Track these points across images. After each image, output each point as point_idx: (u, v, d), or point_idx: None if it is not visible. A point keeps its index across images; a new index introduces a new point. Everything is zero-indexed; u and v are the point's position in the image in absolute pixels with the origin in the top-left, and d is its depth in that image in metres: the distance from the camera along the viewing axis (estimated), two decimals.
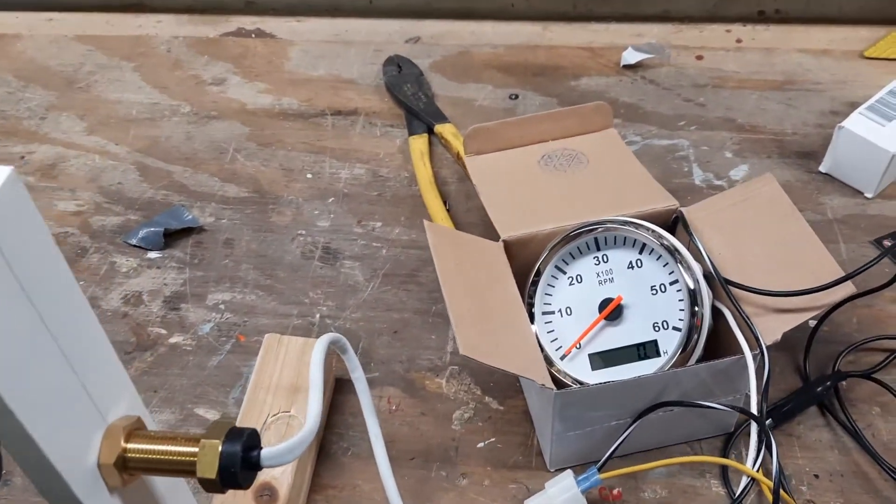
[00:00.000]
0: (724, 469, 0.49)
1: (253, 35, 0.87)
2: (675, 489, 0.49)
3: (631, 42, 0.82)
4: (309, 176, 0.71)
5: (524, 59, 0.82)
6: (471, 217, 0.66)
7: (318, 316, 0.60)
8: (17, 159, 0.73)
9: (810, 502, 0.47)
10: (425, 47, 0.84)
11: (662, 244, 0.47)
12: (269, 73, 0.82)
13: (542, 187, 0.57)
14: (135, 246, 0.65)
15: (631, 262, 0.49)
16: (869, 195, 0.64)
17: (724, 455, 0.50)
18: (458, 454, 0.51)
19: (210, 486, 0.33)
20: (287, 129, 0.75)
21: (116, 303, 0.61)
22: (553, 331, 0.50)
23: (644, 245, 0.48)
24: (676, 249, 0.47)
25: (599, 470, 0.45)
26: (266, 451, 0.34)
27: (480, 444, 0.52)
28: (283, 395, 0.50)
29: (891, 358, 0.53)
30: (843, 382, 0.51)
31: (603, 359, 0.48)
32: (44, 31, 0.89)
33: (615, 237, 0.49)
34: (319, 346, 0.43)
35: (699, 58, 0.80)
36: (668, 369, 0.46)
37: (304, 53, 0.84)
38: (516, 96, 0.77)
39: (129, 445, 0.34)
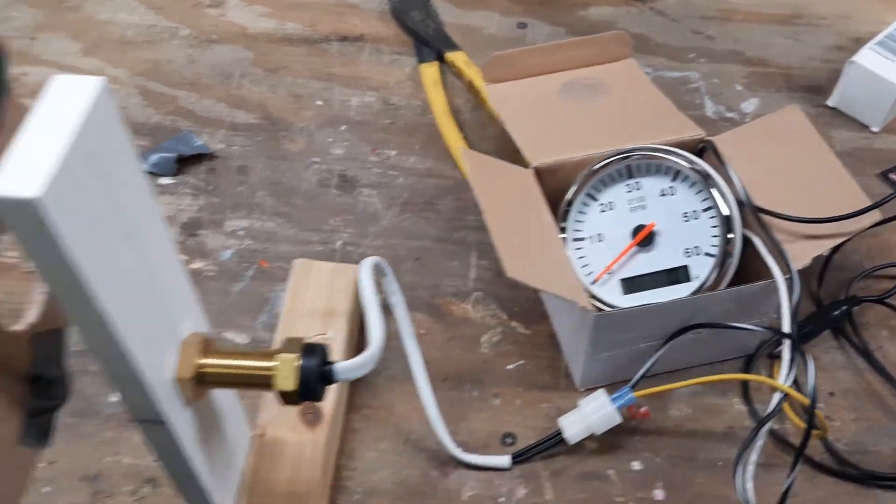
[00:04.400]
0: (745, 388, 0.51)
1: None
2: (699, 407, 0.51)
3: None
4: (319, 103, 0.69)
5: None
6: (486, 146, 0.66)
7: (339, 243, 0.60)
8: (12, 81, 0.70)
9: (828, 418, 0.50)
10: None
11: (696, 171, 0.48)
12: None
13: (566, 116, 0.57)
14: (146, 172, 0.63)
15: (663, 190, 0.50)
16: (875, 129, 0.65)
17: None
18: (488, 376, 0.53)
19: (288, 398, 0.34)
20: (292, 54, 0.73)
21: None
22: (584, 257, 0.51)
23: (678, 172, 0.49)
24: (710, 176, 0.48)
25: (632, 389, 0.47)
26: (339, 366, 0.34)
27: (509, 367, 0.53)
28: (318, 319, 0.50)
29: None
30: (856, 307, 0.54)
31: (634, 284, 0.49)
32: None
33: (648, 165, 0.50)
34: (366, 268, 0.44)
35: None
36: (701, 294, 0.48)
37: None
38: (524, 25, 0.77)
39: (205, 361, 0.34)
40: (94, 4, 0.78)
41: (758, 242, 0.48)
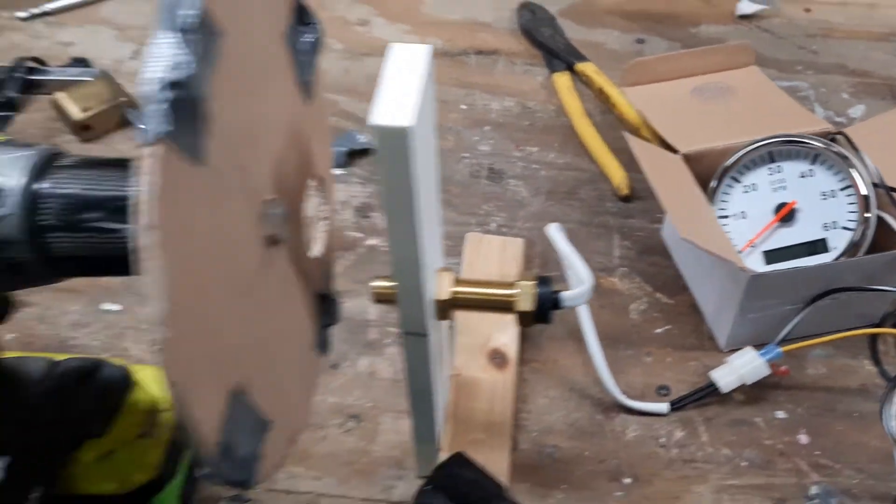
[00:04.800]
0: (874, 351, 0.57)
1: None
2: (833, 368, 0.57)
3: None
4: (463, 107, 0.78)
5: (644, 8, 0.89)
6: (618, 145, 0.73)
7: (493, 224, 0.67)
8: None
9: None
10: None
11: (835, 153, 0.55)
12: (408, 16, 0.88)
13: (700, 113, 0.65)
14: None
15: (803, 172, 0.56)
16: None
17: (873, 342, 0.58)
18: (639, 338, 0.59)
19: (524, 319, 0.41)
20: (435, 66, 0.82)
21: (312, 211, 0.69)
22: (728, 232, 0.58)
23: (817, 156, 0.56)
24: (848, 158, 0.55)
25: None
26: (565, 294, 0.42)
27: (658, 331, 0.60)
28: None
29: None
30: None
31: (776, 255, 0.56)
32: None
33: (789, 150, 0.57)
34: (554, 228, 0.51)
35: (807, 10, 0.87)
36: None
37: (437, 1, 0.91)
38: (642, 41, 0.85)
39: (457, 288, 0.41)
40: None
41: (890, 219, 0.55)
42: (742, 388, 0.55)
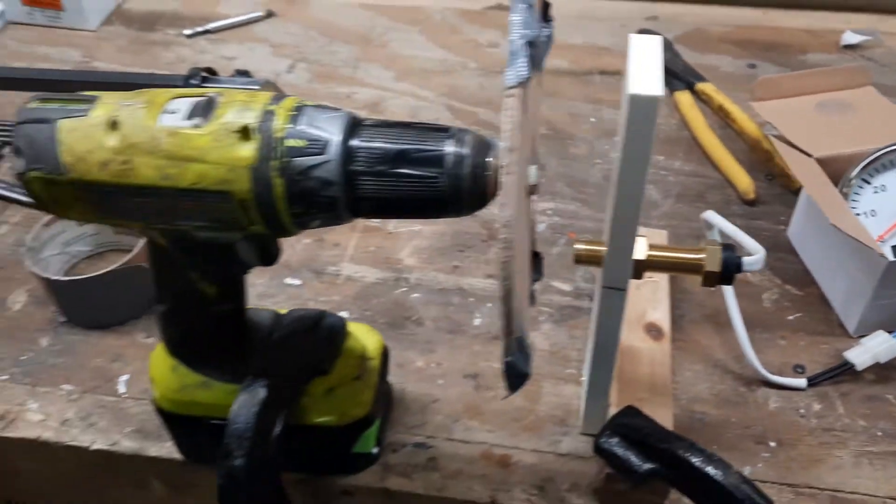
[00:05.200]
0: None
1: None
2: None
3: (841, 28, 0.96)
4: (592, 120, 0.85)
5: (752, 37, 0.96)
6: (738, 157, 0.80)
7: None
8: (344, 97, 0.89)
9: None
10: (663, 24, 0.98)
11: None
12: None
13: (826, 125, 0.71)
14: None
15: None
16: None
17: None
18: (773, 323, 0.65)
19: (709, 280, 0.48)
20: (563, 84, 0.90)
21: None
22: None
23: None
24: None
25: None
26: (745, 259, 0.48)
27: (790, 317, 0.66)
28: None
29: None
30: None
31: None
32: (328, 0, 1.05)
33: None
34: (711, 213, 0.58)
35: None
36: None
37: (561, 25, 0.99)
38: (754, 66, 0.92)
39: (651, 252, 0.48)
40: (396, 43, 0.97)
41: None
42: (873, 368, 0.61)
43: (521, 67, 0.32)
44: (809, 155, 0.66)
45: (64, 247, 0.70)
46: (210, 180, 0.39)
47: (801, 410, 0.60)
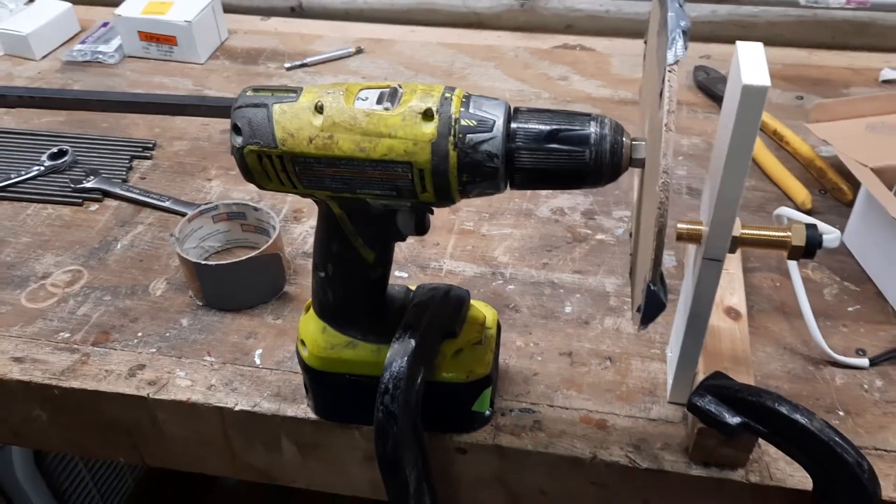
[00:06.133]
0: None
1: (578, 48, 1.13)
2: None
3: (880, 66, 1.05)
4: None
5: (799, 73, 1.06)
6: (794, 174, 0.88)
7: None
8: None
9: None
10: (716, 62, 1.08)
11: None
12: (600, 74, 1.07)
13: (877, 142, 0.80)
14: None
15: None
16: None
17: None
18: (834, 313, 0.73)
19: (795, 253, 0.56)
20: (628, 111, 1.00)
21: (547, 213, 0.85)
22: None
23: None
24: None
25: None
26: (826, 236, 0.56)
27: (850, 309, 0.73)
28: None
29: None
30: None
31: None
32: (411, 39, 1.17)
33: None
34: (783, 209, 0.66)
35: None
36: None
37: (621, 62, 1.10)
38: (801, 97, 1.01)
39: (744, 230, 0.56)
40: (476, 77, 1.08)
41: None
42: None
43: (679, 49, 0.42)
44: (865, 165, 0.75)
45: (200, 241, 0.79)
46: (397, 152, 0.48)
47: (865, 386, 0.67)
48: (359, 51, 1.12)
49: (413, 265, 0.80)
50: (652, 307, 0.45)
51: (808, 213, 0.83)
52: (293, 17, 1.26)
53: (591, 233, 0.83)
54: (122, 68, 1.12)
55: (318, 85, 0.51)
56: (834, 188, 0.85)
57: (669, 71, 0.43)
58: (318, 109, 0.49)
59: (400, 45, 1.15)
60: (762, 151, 0.90)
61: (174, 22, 1.09)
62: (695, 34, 1.14)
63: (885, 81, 1.03)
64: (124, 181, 0.91)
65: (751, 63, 0.49)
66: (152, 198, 0.88)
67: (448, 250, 0.82)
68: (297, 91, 0.50)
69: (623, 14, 1.19)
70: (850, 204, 0.80)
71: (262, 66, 1.11)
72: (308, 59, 1.10)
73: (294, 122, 0.49)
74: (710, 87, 1.02)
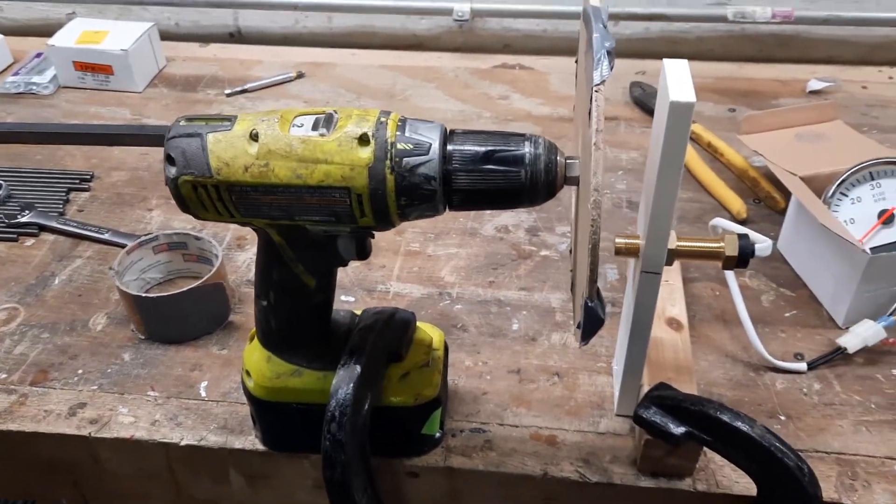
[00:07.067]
0: None
1: (517, 67, 1.15)
2: None
3: (806, 77, 1.09)
4: None
5: (729, 86, 1.09)
6: (728, 185, 0.91)
7: None
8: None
9: None
10: (651, 77, 1.11)
11: None
12: (539, 92, 1.09)
13: (805, 151, 0.83)
14: None
15: None
16: None
17: None
18: (772, 319, 0.75)
19: (728, 263, 0.57)
20: (567, 128, 1.01)
21: (492, 231, 0.86)
22: None
23: None
24: None
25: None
26: (757, 246, 0.58)
27: (786, 314, 0.75)
28: None
29: None
30: None
31: (881, 250, 0.72)
32: (351, 62, 1.17)
33: (886, 169, 0.74)
34: (718, 219, 0.68)
35: (864, 87, 1.07)
36: None
37: (560, 80, 1.11)
38: (734, 110, 1.04)
39: (679, 242, 0.58)
40: (418, 97, 1.08)
41: None
42: (862, 353, 0.70)
43: (605, 69, 0.43)
44: (794, 174, 0.77)
45: (141, 273, 0.78)
46: (334, 178, 0.48)
47: (804, 390, 0.69)
48: (300, 75, 1.12)
49: (359, 288, 0.80)
50: (591, 323, 0.45)
51: (743, 222, 0.86)
52: (232, 42, 1.25)
53: (536, 249, 0.84)
54: (58, 99, 1.09)
55: (253, 112, 0.51)
56: (767, 197, 0.88)
57: (596, 90, 0.43)
58: (253, 137, 0.49)
59: (341, 69, 1.15)
60: (698, 164, 0.92)
61: (109, 51, 1.07)
62: (629, 51, 1.17)
63: (812, 92, 1.07)
64: (61, 214, 0.89)
65: (677, 80, 0.50)
66: (90, 230, 0.86)
67: (394, 272, 0.81)
68: (231, 119, 0.50)
69: (560, 33, 1.21)
70: (783, 212, 0.82)
71: (201, 93, 1.10)
72: (248, 85, 1.09)
73: (229, 150, 0.49)
74: (645, 102, 1.04)
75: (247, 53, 1.20)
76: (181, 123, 0.50)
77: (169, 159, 0.49)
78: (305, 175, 0.48)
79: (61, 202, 0.90)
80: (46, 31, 1.16)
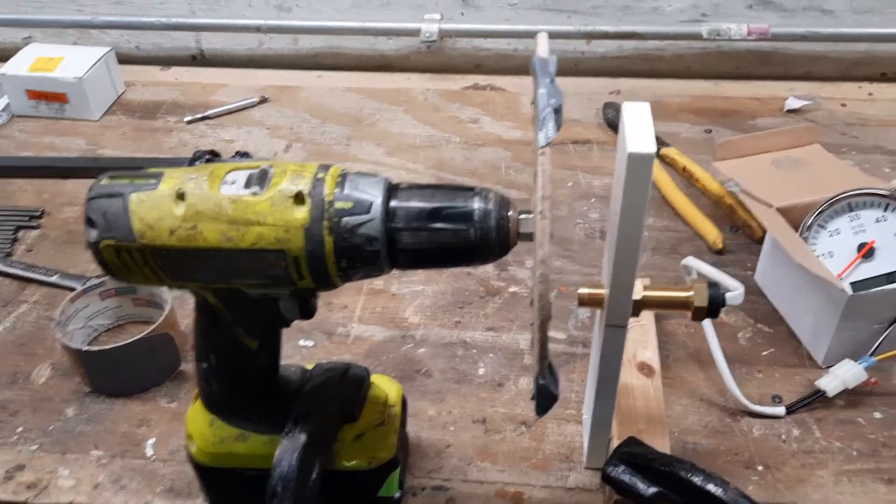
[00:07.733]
0: None
1: (488, 88, 1.11)
2: None
3: (785, 95, 1.06)
4: (570, 184, 0.93)
5: (707, 106, 1.06)
6: (705, 211, 0.88)
7: None
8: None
9: None
10: (626, 97, 1.08)
11: None
12: (510, 115, 1.05)
13: (782, 179, 0.79)
14: None
15: (878, 217, 0.70)
16: None
17: None
18: (749, 359, 0.72)
19: (698, 315, 0.54)
20: None
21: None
22: None
23: (888, 204, 0.70)
24: None
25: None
26: (728, 295, 0.55)
27: (764, 353, 0.72)
28: None
29: None
30: None
31: (861, 286, 0.69)
32: (317, 85, 1.13)
33: (864, 201, 0.71)
34: (692, 259, 0.64)
35: (843, 105, 1.04)
36: None
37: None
38: (710, 131, 1.01)
39: (647, 292, 0.54)
40: (385, 122, 1.05)
41: None
42: (843, 395, 0.67)
43: (550, 130, 0.39)
44: (770, 205, 0.74)
45: (87, 320, 0.74)
46: (268, 240, 0.44)
47: (783, 436, 0.65)
48: (263, 100, 1.08)
49: (319, 332, 0.76)
50: (544, 399, 0.42)
51: (720, 252, 0.83)
52: (195, 65, 1.21)
53: (505, 285, 0.80)
54: (10, 129, 1.05)
55: (182, 168, 0.47)
56: (744, 225, 0.84)
57: (541, 154, 0.40)
58: (180, 197, 0.45)
59: (306, 92, 1.11)
60: (673, 191, 0.89)
61: (63, 79, 1.03)
62: (602, 69, 1.14)
63: (790, 111, 1.04)
64: (8, 255, 0.85)
65: (637, 127, 0.47)
66: (38, 273, 0.82)
67: (356, 313, 0.78)
68: (157, 177, 0.46)
69: (531, 52, 1.17)
70: (761, 241, 0.79)
71: (160, 121, 1.06)
72: (210, 111, 1.05)
73: (153, 212, 0.45)
74: (618, 125, 1.00)
75: (209, 77, 1.16)
76: (103, 182, 0.46)
77: (89, 222, 0.46)
78: (237, 238, 0.44)
79: (9, 242, 0.86)
80: (3, 56, 1.12)
